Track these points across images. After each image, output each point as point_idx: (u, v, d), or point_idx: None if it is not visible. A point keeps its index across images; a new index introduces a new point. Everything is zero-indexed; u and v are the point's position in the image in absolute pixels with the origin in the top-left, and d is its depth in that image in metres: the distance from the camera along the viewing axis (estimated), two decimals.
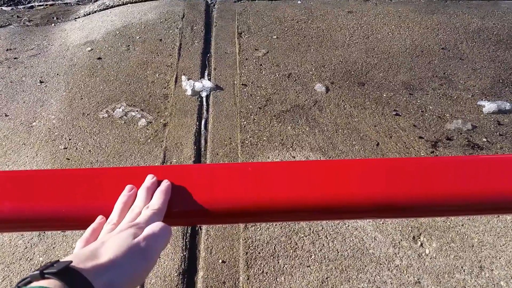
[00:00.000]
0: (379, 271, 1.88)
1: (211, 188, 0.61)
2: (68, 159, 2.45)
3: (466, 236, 1.99)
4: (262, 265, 1.91)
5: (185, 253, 1.96)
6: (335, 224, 2.06)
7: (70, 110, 2.79)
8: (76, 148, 2.51)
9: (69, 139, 2.57)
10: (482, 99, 2.79)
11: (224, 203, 0.60)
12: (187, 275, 1.89)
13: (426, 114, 2.71)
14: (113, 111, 2.75)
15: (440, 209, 0.63)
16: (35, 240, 2.02)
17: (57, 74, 3.14)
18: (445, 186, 0.62)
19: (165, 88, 2.94)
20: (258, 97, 2.86)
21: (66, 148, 2.52)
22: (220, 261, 1.93)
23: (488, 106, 2.70)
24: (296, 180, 0.63)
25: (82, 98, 2.89)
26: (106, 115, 2.73)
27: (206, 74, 3.07)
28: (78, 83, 3.03)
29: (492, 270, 1.86)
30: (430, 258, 1.91)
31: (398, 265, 1.89)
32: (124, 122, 2.67)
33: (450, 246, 1.95)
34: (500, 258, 1.90)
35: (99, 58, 3.26)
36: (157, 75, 3.06)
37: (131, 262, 0.49)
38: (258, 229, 2.05)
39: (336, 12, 3.73)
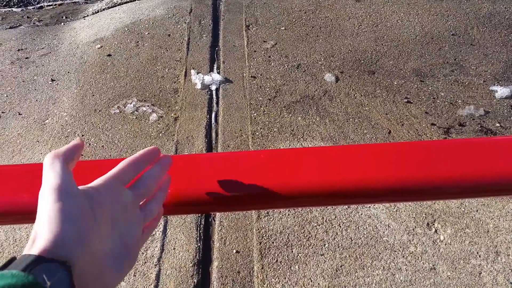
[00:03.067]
0: (394, 258, 1.87)
1: (223, 176, 0.62)
2: (82, 155, 2.48)
3: (481, 222, 1.97)
4: (276, 255, 1.92)
5: (199, 244, 1.97)
6: (348, 213, 2.06)
7: (82, 107, 2.82)
8: (89, 144, 2.54)
9: (82, 135, 2.60)
10: (494, 84, 2.76)
11: (237, 191, 0.60)
12: (202, 266, 1.91)
13: (438, 101, 2.68)
14: (125, 107, 2.77)
15: (454, 191, 0.62)
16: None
17: (68, 72, 3.17)
18: (459, 168, 0.62)
19: (175, 82, 2.96)
20: (267, 89, 2.86)
21: None
22: (234, 251, 1.94)
23: (501, 91, 2.66)
24: (309, 166, 0.63)
25: (93, 95, 2.92)
26: (118, 111, 2.76)
27: (215, 67, 3.08)
28: (89, 80, 3.05)
29: (509, 255, 1.84)
30: (445, 244, 1.90)
31: (412, 252, 1.89)
32: (136, 117, 2.69)
33: (465, 232, 1.94)
34: None
35: (109, 55, 3.28)
36: (166, 70, 3.08)
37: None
38: (271, 219, 2.06)
39: (344, 1, 3.70)
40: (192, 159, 0.66)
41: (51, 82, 3.09)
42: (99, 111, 2.78)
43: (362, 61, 3.03)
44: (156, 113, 2.69)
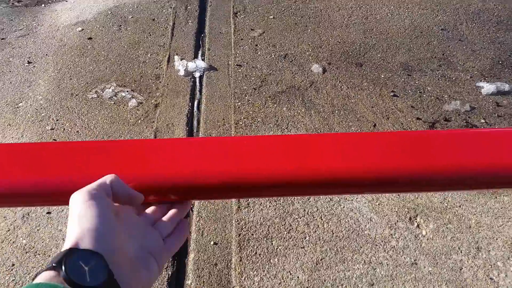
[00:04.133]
0: (375, 252, 1.84)
1: (201, 162, 0.58)
2: (55, 140, 2.38)
3: (464, 217, 1.95)
4: (255, 247, 1.86)
5: None
6: (330, 206, 2.01)
7: (59, 91, 2.72)
8: (64, 129, 2.44)
9: (57, 120, 2.50)
10: (481, 80, 2.73)
11: (215, 178, 0.56)
12: (177, 257, 1.85)
13: (424, 95, 2.64)
14: (103, 92, 2.68)
15: (437, 183, 0.60)
16: (18, 222, 1.96)
17: (46, 55, 3.05)
18: (442, 159, 0.59)
19: (157, 68, 2.87)
20: (253, 78, 2.79)
21: (53, 129, 2.45)
22: (212, 243, 1.88)
23: (487, 87, 2.64)
24: (290, 154, 0.59)
25: (71, 79, 2.81)
26: (95, 96, 2.66)
27: (200, 54, 3.00)
28: (67, 64, 2.95)
29: (489, 251, 1.82)
30: (427, 239, 1.87)
31: (394, 246, 1.85)
32: (114, 103, 2.60)
33: (447, 227, 1.91)
34: (497, 239, 1.86)
35: (90, 38, 3.17)
36: (149, 55, 2.98)
37: None
38: (251, 211, 2.00)
39: None
40: (171, 144, 0.62)
41: (27, 64, 2.97)
42: (76, 95, 2.68)
43: (350, 53, 2.98)
44: (136, 99, 2.60)
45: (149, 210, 0.54)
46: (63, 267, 0.38)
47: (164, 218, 0.54)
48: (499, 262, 1.77)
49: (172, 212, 0.55)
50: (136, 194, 0.50)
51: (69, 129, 2.43)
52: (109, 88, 2.69)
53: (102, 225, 0.43)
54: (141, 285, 0.45)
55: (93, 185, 0.46)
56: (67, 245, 0.41)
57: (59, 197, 0.53)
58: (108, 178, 0.48)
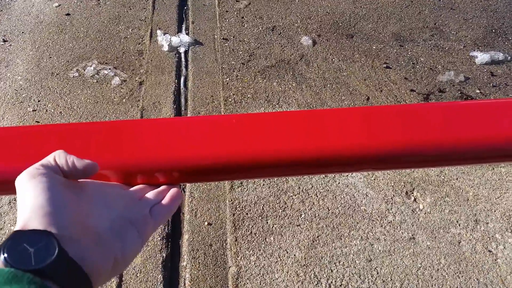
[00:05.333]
0: (372, 227, 1.81)
1: (192, 143, 0.54)
2: (38, 122, 2.27)
3: (461, 190, 1.92)
4: (250, 226, 1.82)
5: None
6: (325, 182, 1.97)
7: (38, 70, 2.58)
8: (46, 110, 2.33)
9: (38, 101, 2.38)
10: (474, 50, 2.68)
11: (207, 159, 0.53)
12: (172, 239, 1.79)
13: (417, 66, 2.58)
14: (84, 70, 2.55)
15: (435, 159, 0.57)
16: (5, 208, 1.87)
17: (22, 32, 2.89)
18: (440, 133, 0.57)
19: (139, 43, 2.73)
20: (240, 52, 2.68)
21: (35, 111, 2.33)
22: (206, 223, 1.82)
23: (481, 57, 2.59)
24: (282, 132, 0.56)
25: (50, 57, 2.67)
26: (77, 74, 2.53)
27: (183, 28, 2.87)
28: (45, 41, 2.79)
29: (488, 223, 1.80)
30: (424, 214, 1.84)
31: (391, 221, 1.82)
32: (96, 81, 2.48)
33: (444, 201, 1.88)
34: (495, 211, 1.84)
35: (68, 14, 3.01)
36: (130, 30, 2.84)
37: None
38: (245, 190, 1.94)
39: None
40: (159, 124, 0.57)
41: (3, 43, 2.81)
42: (57, 74, 2.55)
43: (340, 24, 2.89)
44: (119, 77, 2.48)
45: (138, 186, 0.51)
46: (2, 253, 0.34)
47: (152, 191, 0.51)
48: (497, 234, 1.76)
49: (162, 187, 0.52)
50: (86, 164, 0.45)
51: (52, 110, 2.32)
52: (91, 66, 2.56)
53: (50, 201, 0.39)
54: (114, 259, 0.42)
55: (35, 164, 0.43)
56: (16, 228, 0.38)
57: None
58: (51, 155, 0.45)
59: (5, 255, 0.34)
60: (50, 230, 0.37)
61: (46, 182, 0.40)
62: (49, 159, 0.44)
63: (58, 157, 0.44)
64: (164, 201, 0.50)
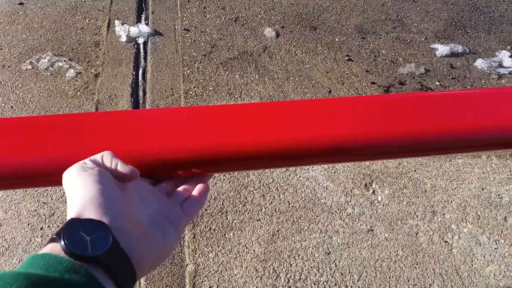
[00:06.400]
0: (331, 220, 1.80)
1: (145, 136, 0.53)
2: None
3: (419, 182, 1.94)
4: (209, 222, 1.78)
5: None
6: (286, 176, 1.95)
7: None
8: None
9: None
10: (435, 42, 2.71)
11: (164, 153, 0.52)
12: None
13: (379, 59, 2.59)
14: (38, 62, 2.43)
15: (393, 150, 0.57)
16: None
17: None
18: (399, 125, 0.56)
19: (96, 34, 2.63)
20: (202, 43, 2.62)
21: None
22: None
23: (441, 49, 2.62)
24: (241, 124, 0.55)
25: (1, 49, 2.54)
26: (30, 67, 2.42)
27: (143, 18, 2.78)
28: None
29: (444, 214, 1.83)
30: (383, 205, 1.85)
31: (350, 213, 1.82)
32: (50, 74, 2.37)
33: (402, 192, 1.90)
34: (452, 202, 1.87)
35: (21, 4, 2.87)
36: (87, 20, 2.73)
37: None
38: None
39: None
40: (118, 116, 0.57)
41: None
42: (8, 67, 2.42)
43: (304, 16, 2.87)
44: (74, 69, 2.38)
45: (166, 182, 0.53)
46: (62, 239, 0.36)
47: (180, 188, 0.52)
48: (453, 224, 1.78)
49: (187, 183, 0.53)
50: (128, 169, 0.45)
51: (2, 105, 2.20)
52: (45, 58, 2.45)
53: (103, 192, 0.41)
54: (156, 252, 0.44)
55: (85, 160, 0.45)
56: (69, 216, 0.39)
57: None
58: (99, 154, 0.46)
59: (65, 241, 0.36)
60: (104, 221, 0.39)
61: (97, 175, 0.42)
62: (97, 157, 0.45)
63: (105, 157, 0.45)
64: (193, 196, 0.52)
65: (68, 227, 0.37)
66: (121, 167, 0.45)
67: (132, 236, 0.41)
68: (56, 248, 0.37)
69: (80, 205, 0.39)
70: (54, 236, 0.37)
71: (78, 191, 0.41)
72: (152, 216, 0.46)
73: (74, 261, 0.35)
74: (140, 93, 2.31)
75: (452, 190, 1.91)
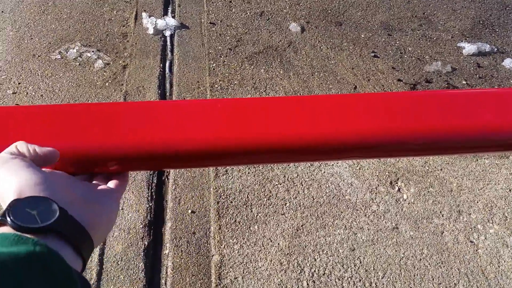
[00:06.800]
0: (356, 217, 1.81)
1: (177, 127, 0.53)
2: (18, 105, 2.20)
3: (445, 181, 1.93)
4: (235, 214, 1.80)
5: (150, 204, 1.81)
6: (310, 171, 1.96)
7: (19, 51, 2.50)
8: (27, 93, 2.26)
9: (19, 83, 2.31)
10: (462, 41, 2.68)
11: (193, 144, 0.52)
12: (154, 227, 1.76)
13: (405, 56, 2.57)
14: (67, 52, 2.47)
15: (420, 147, 0.57)
16: None
17: (2, 12, 2.79)
18: (426, 122, 0.56)
19: (123, 26, 2.66)
20: (228, 37, 2.63)
21: (15, 93, 2.26)
22: (190, 211, 1.80)
23: (468, 48, 2.59)
24: (271, 118, 0.55)
25: (32, 38, 2.59)
26: (59, 57, 2.46)
27: (169, 11, 2.80)
28: (27, 22, 2.70)
29: (470, 214, 1.82)
30: (408, 204, 1.85)
31: (375, 210, 1.83)
32: (79, 64, 2.41)
33: (428, 191, 1.89)
34: (478, 202, 1.86)
35: None
36: (114, 12, 2.76)
37: None
38: (229, 178, 1.92)
39: None
40: (143, 107, 0.56)
41: None
42: (38, 56, 2.47)
43: (329, 11, 2.86)
44: (102, 60, 2.41)
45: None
46: (8, 218, 0.36)
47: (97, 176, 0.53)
48: (479, 225, 1.78)
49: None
50: (47, 150, 0.46)
51: (33, 93, 2.25)
52: (73, 48, 2.49)
53: (34, 175, 0.41)
54: (102, 217, 0.45)
55: (2, 153, 0.44)
56: (8, 202, 0.39)
57: None
58: (12, 145, 0.46)
59: (11, 217, 0.36)
60: (46, 195, 0.40)
61: (22, 162, 0.42)
62: (12, 149, 0.45)
63: (20, 146, 0.45)
64: (114, 178, 0.52)
65: (12, 207, 0.37)
66: (40, 150, 0.45)
67: (75, 206, 0.42)
68: (3, 230, 0.37)
69: (15, 189, 0.40)
70: (0, 219, 0.37)
71: (8, 179, 0.41)
72: (84, 192, 0.46)
73: (21, 234, 0.35)
74: (167, 85, 2.33)
75: (479, 190, 1.90)
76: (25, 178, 0.40)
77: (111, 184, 0.51)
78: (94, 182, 0.51)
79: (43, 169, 0.45)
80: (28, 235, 0.36)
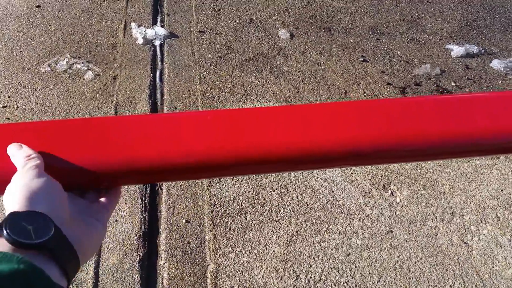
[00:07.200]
0: (350, 221, 1.81)
1: (169, 140, 0.53)
2: (9, 119, 2.19)
3: (437, 183, 1.94)
4: (229, 223, 1.80)
5: (144, 215, 1.81)
6: (303, 177, 1.96)
7: (8, 65, 2.49)
8: (17, 106, 2.24)
9: (8, 97, 2.30)
10: (450, 43, 2.71)
11: (185, 157, 0.52)
12: (148, 238, 1.75)
13: (394, 60, 2.60)
14: (56, 64, 2.47)
15: (414, 153, 0.57)
16: None
17: None
18: (419, 128, 0.56)
19: (113, 37, 2.66)
20: (217, 45, 2.64)
21: (5, 107, 2.25)
22: (184, 221, 1.80)
23: (456, 50, 2.62)
24: (262, 128, 0.55)
25: (21, 51, 2.57)
26: (49, 69, 2.45)
27: (158, 20, 2.80)
28: (15, 35, 2.69)
29: (463, 215, 1.83)
30: (401, 207, 1.86)
31: (369, 214, 1.83)
32: (69, 76, 2.40)
33: (421, 194, 1.90)
34: (470, 203, 1.87)
35: (38, 6, 2.90)
36: (103, 22, 2.76)
37: None
38: (223, 186, 1.92)
39: None
40: (134, 121, 0.56)
41: None
42: (28, 69, 2.46)
43: (318, 17, 2.88)
44: (92, 71, 2.41)
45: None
46: (4, 230, 0.37)
47: (89, 191, 0.53)
48: (472, 226, 1.79)
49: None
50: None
51: (23, 106, 2.23)
52: (63, 61, 2.48)
53: (39, 187, 0.43)
54: (91, 240, 0.46)
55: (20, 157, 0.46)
56: (9, 209, 0.41)
57: None
58: (25, 148, 0.48)
59: (8, 231, 0.37)
60: (44, 212, 0.41)
61: (32, 171, 0.44)
62: (29, 151, 0.47)
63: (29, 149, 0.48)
64: (106, 194, 0.53)
65: (9, 219, 0.38)
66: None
67: (68, 224, 0.43)
68: None
69: (19, 200, 0.41)
70: None
71: (13, 188, 0.43)
72: (77, 210, 0.47)
73: (6, 252, 0.36)
74: (158, 95, 2.33)
75: (471, 191, 1.92)
76: (32, 191, 0.42)
77: (104, 199, 0.52)
78: (86, 197, 0.51)
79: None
80: (16, 252, 0.36)
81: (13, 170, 0.46)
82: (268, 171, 0.61)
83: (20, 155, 0.47)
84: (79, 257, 0.42)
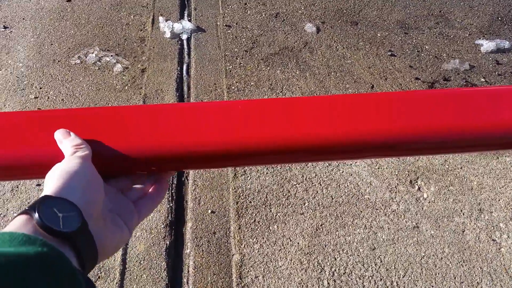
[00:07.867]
0: (376, 216, 1.80)
1: (197, 129, 0.53)
2: (40, 109, 2.26)
3: (465, 179, 1.91)
4: (254, 214, 1.81)
5: (171, 204, 1.84)
6: (328, 171, 1.96)
7: (40, 57, 2.56)
8: (48, 97, 2.31)
9: (40, 88, 2.36)
10: (480, 38, 2.65)
11: (214, 145, 0.52)
12: (175, 227, 1.79)
13: (422, 54, 2.56)
14: (86, 57, 2.52)
15: (441, 145, 0.56)
16: (7, 195, 1.87)
17: (23, 19, 2.86)
18: (445, 120, 0.55)
19: (141, 30, 2.70)
20: (243, 39, 2.65)
21: (37, 98, 2.32)
22: (210, 211, 1.82)
23: (486, 45, 2.56)
24: (291, 118, 0.55)
25: (52, 44, 2.64)
26: (79, 61, 2.51)
27: (185, 14, 2.83)
28: (46, 28, 2.76)
29: (492, 212, 1.80)
30: (429, 202, 1.84)
31: (395, 210, 1.82)
32: (98, 68, 2.46)
33: (448, 190, 1.88)
34: (499, 200, 1.84)
35: (69, 1, 2.97)
36: (132, 16, 2.81)
37: None
38: (248, 178, 1.93)
39: None
40: (162, 110, 0.56)
41: (3, 29, 2.78)
42: (58, 61, 2.52)
43: (345, 11, 2.85)
44: (121, 64, 2.46)
45: (120, 178, 0.53)
46: (36, 212, 0.38)
47: (136, 185, 0.54)
48: (501, 223, 1.75)
49: (145, 180, 0.55)
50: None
51: (54, 97, 2.30)
52: (93, 53, 2.54)
53: (81, 178, 0.44)
54: (114, 242, 0.46)
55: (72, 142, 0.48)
56: (44, 194, 0.41)
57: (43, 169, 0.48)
58: (73, 136, 0.49)
59: (39, 214, 0.38)
60: (76, 203, 0.41)
61: (82, 162, 0.45)
62: (78, 141, 0.48)
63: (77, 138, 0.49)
64: (150, 194, 0.53)
65: (43, 202, 0.39)
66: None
67: (97, 222, 0.44)
68: (23, 221, 0.38)
69: (57, 185, 0.42)
70: (27, 209, 0.39)
71: (57, 173, 0.43)
72: (110, 211, 0.48)
73: (29, 234, 0.36)
74: (185, 87, 2.36)
75: (500, 188, 1.88)
76: (72, 180, 0.43)
77: (151, 189, 0.53)
78: (128, 196, 0.52)
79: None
80: (39, 236, 0.37)
81: (57, 155, 0.48)
82: (294, 161, 0.62)
83: (68, 142, 0.48)
84: (98, 255, 0.43)
